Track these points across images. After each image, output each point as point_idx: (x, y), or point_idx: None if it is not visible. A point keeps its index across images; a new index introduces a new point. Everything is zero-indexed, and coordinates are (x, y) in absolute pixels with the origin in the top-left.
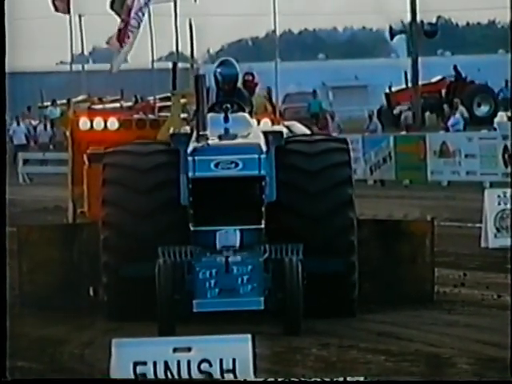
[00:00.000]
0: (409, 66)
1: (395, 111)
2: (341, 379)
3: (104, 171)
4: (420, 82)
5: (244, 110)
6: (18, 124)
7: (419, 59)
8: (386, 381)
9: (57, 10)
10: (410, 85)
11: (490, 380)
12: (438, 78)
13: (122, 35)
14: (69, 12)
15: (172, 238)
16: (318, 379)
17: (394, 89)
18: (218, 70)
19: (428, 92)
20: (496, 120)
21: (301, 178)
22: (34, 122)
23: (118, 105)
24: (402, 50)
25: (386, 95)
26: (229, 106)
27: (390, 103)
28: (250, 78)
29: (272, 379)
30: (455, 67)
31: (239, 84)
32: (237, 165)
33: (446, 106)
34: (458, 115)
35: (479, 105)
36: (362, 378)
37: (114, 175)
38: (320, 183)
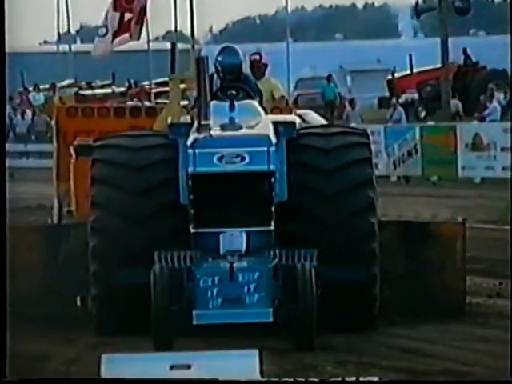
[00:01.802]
0: (438, 46)
1: (400, 100)
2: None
3: (93, 168)
4: (424, 68)
5: (252, 97)
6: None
7: (449, 39)
8: (386, 381)
9: None
10: (414, 70)
11: (490, 380)
12: (448, 62)
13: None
14: None
15: (170, 244)
16: (319, 379)
17: (397, 75)
18: (219, 58)
19: (435, 78)
20: None
21: (315, 178)
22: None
23: (109, 90)
24: (428, 30)
25: (389, 82)
26: (234, 92)
27: (394, 91)
28: (257, 57)
29: (273, 379)
30: (464, 50)
31: (245, 69)
32: (243, 159)
33: (482, 96)
34: (494, 103)
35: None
36: (376, 378)
37: (104, 173)
38: (337, 184)
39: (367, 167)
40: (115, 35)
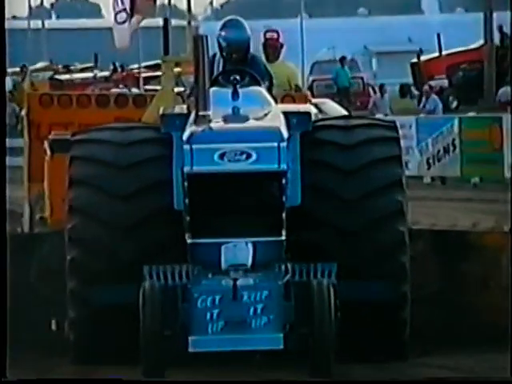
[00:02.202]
0: (480, 22)
1: (427, 88)
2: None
3: (71, 167)
4: (454, 50)
5: (259, 83)
6: None
7: (494, 15)
8: (386, 381)
9: None
10: (443, 52)
11: (490, 380)
12: (480, 42)
13: None
14: None
15: (163, 257)
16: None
17: (423, 58)
18: (223, 33)
19: (468, 62)
20: None
21: (333, 179)
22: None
23: (90, 74)
24: (469, 3)
25: (413, 66)
26: (238, 77)
27: (421, 77)
28: (275, 35)
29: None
30: (500, 28)
31: (254, 49)
32: (249, 156)
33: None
34: None
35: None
36: None
37: (84, 173)
38: (359, 187)
39: (396, 166)
40: (130, 17)
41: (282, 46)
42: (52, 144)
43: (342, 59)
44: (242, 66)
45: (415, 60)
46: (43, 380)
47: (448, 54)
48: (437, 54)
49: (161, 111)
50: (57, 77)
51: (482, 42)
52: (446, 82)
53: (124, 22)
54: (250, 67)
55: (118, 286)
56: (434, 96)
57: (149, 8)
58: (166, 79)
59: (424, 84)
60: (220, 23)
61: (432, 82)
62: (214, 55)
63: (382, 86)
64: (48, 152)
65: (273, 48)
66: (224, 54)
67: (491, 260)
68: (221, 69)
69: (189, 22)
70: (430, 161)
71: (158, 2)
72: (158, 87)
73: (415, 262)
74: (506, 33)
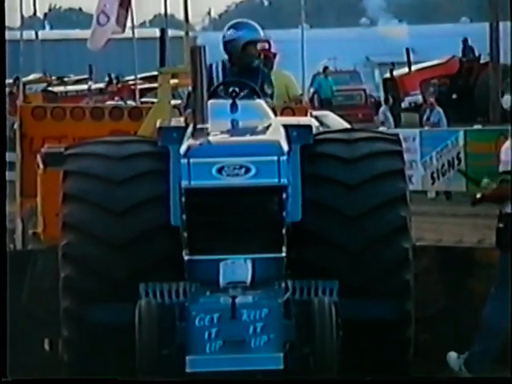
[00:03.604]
0: (486, 32)
1: (403, 104)
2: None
3: (65, 182)
4: (426, 64)
5: (259, 96)
6: None
7: (500, 24)
8: (385, 381)
9: None
10: (413, 67)
11: (490, 380)
12: (449, 56)
13: None
14: None
15: (159, 275)
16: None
17: (396, 72)
18: (229, 32)
19: (438, 77)
20: None
21: (335, 194)
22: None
23: (85, 86)
24: (474, 13)
25: (385, 81)
26: (237, 89)
27: (397, 93)
28: (266, 45)
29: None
30: (465, 41)
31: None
32: (248, 170)
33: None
34: None
35: (502, 93)
36: None
37: (78, 188)
38: (362, 202)
39: (399, 181)
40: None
41: (274, 55)
42: (45, 157)
43: (325, 69)
44: (251, 70)
45: (388, 75)
46: (43, 380)
47: (418, 69)
48: (407, 70)
49: (157, 124)
50: (50, 89)
51: (449, 56)
52: (420, 98)
53: (104, 24)
54: (260, 78)
55: (113, 304)
56: (438, 108)
57: (123, 19)
58: (163, 91)
59: (401, 100)
60: (227, 25)
61: (408, 99)
62: (211, 65)
63: (377, 99)
64: (41, 166)
65: (265, 59)
66: (231, 57)
67: None
68: (220, 80)
69: (186, 33)
70: (435, 175)
71: (156, 12)
72: (155, 99)
73: (419, 280)
74: (471, 46)
